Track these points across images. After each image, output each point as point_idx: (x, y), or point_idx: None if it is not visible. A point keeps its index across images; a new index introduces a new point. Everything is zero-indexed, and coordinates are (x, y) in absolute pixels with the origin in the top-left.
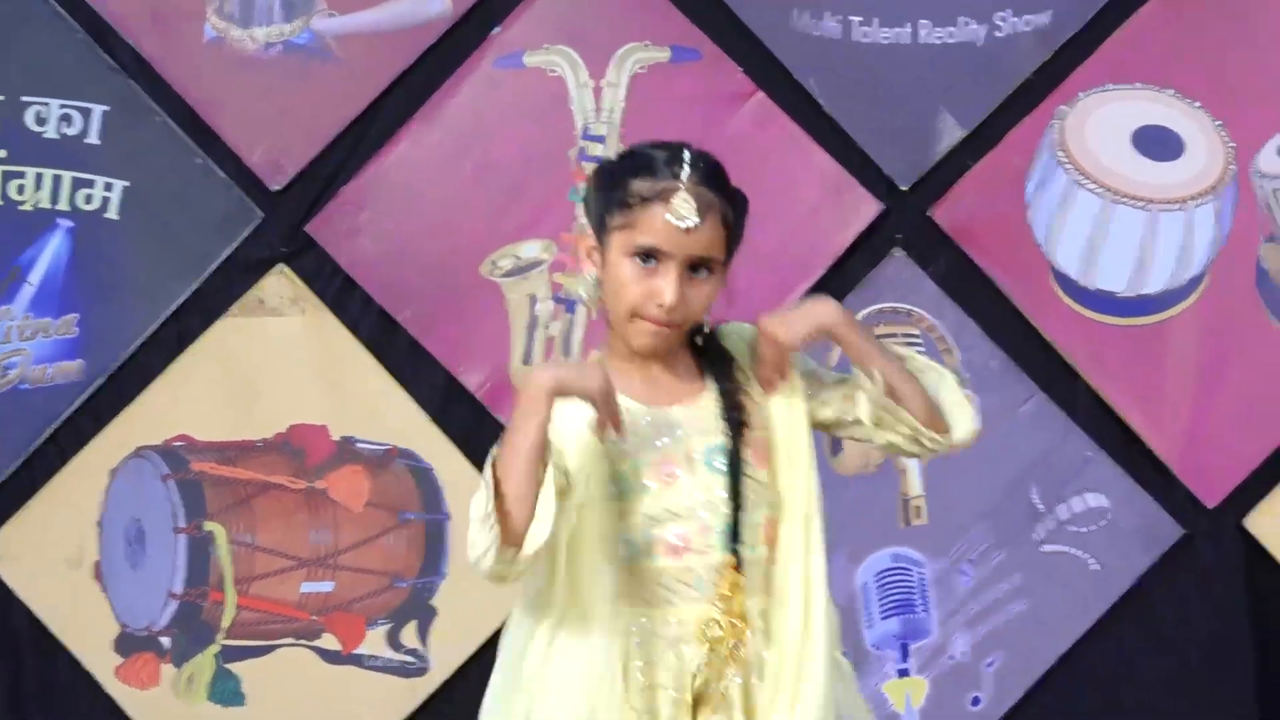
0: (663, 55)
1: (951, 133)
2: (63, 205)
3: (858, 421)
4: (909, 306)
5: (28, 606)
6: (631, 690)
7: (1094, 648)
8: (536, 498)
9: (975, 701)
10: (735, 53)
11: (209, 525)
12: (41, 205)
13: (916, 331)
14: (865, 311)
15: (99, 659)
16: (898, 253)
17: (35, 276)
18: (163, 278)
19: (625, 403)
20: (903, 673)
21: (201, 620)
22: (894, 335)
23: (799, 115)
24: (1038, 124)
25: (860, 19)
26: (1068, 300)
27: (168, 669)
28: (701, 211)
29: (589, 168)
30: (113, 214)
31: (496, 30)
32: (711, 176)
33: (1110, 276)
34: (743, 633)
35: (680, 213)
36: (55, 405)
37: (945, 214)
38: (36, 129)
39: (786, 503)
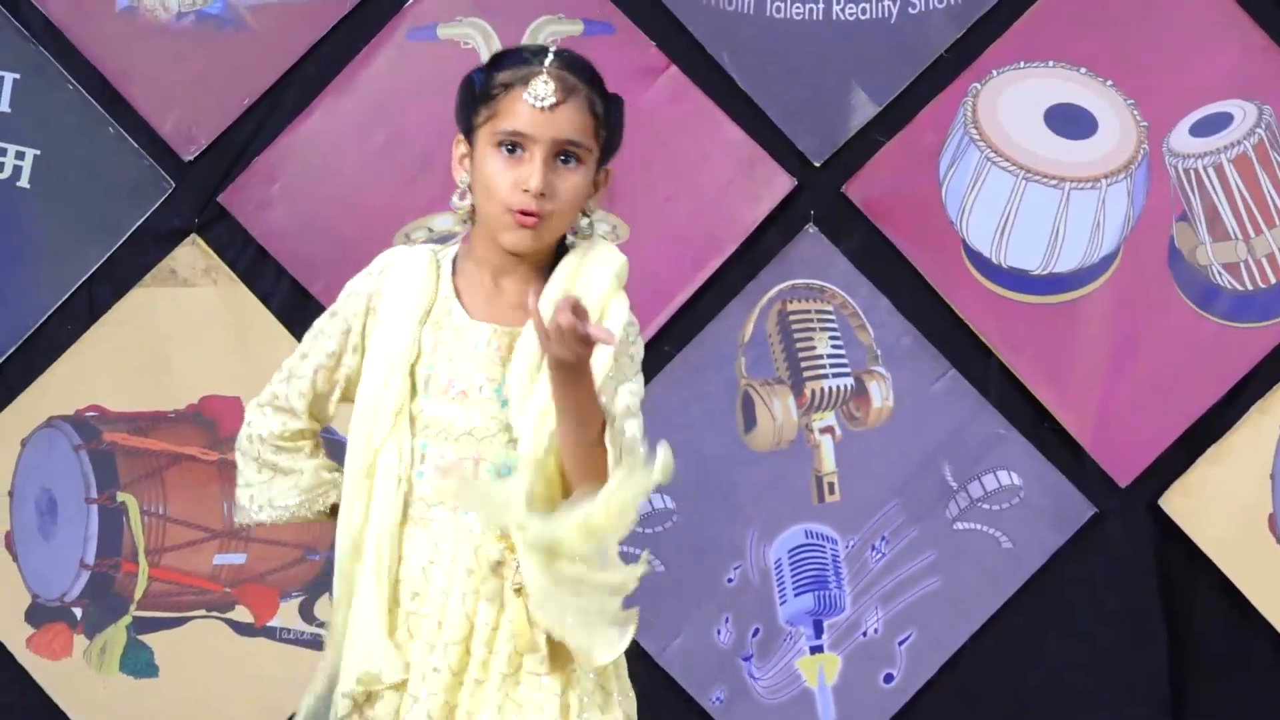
0: (576, 28)
1: (864, 109)
2: None
3: None
4: (822, 283)
5: None
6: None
7: (1006, 625)
8: None
9: (888, 678)
10: (648, 27)
11: (121, 496)
12: None
13: (829, 308)
14: (778, 288)
15: (10, 629)
16: (811, 229)
17: None
18: (74, 247)
19: (450, 305)
20: (816, 649)
21: (114, 591)
22: (807, 312)
23: (712, 90)
24: (951, 101)
25: None
26: (980, 278)
27: (80, 640)
28: (562, 92)
29: None
30: (24, 183)
31: (410, 2)
32: (577, 66)
33: (1023, 254)
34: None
35: (539, 92)
36: None
37: (858, 190)
38: None
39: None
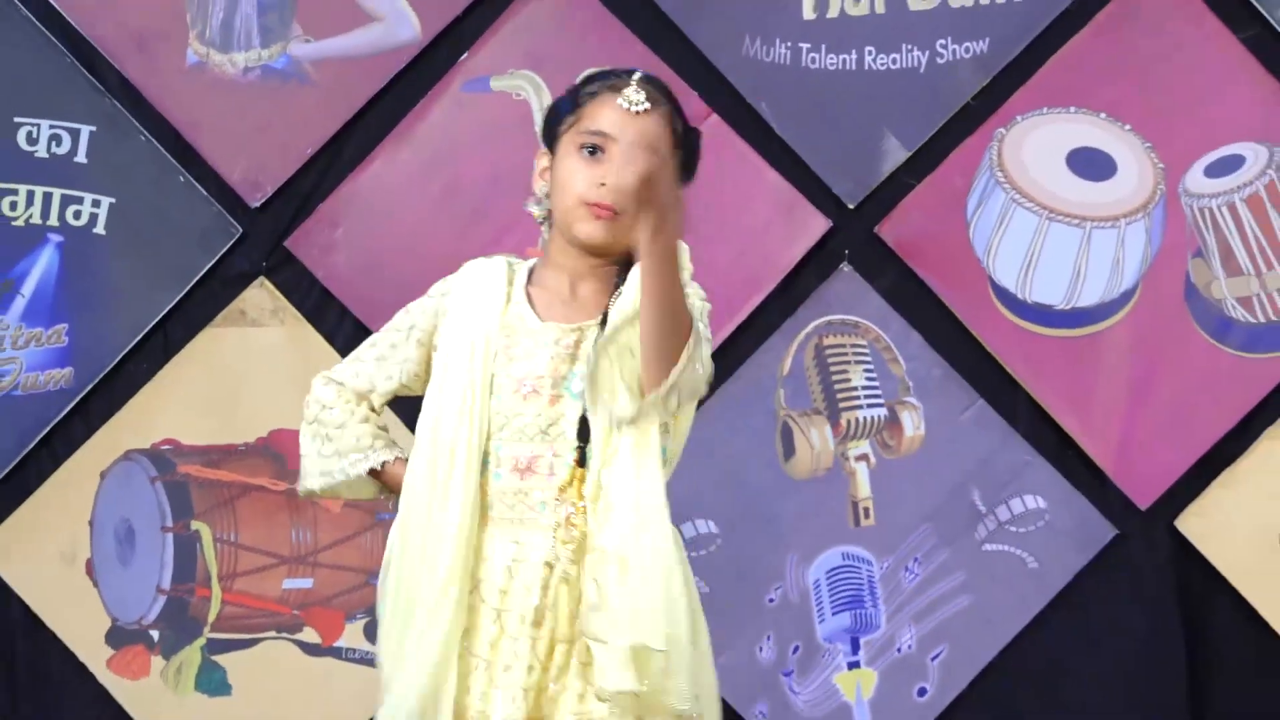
0: None
1: (896, 154)
2: (53, 221)
3: None
4: (856, 319)
5: (23, 601)
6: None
7: (1033, 642)
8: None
9: (921, 692)
10: (690, 77)
11: (195, 524)
12: (33, 221)
13: (864, 342)
14: (814, 324)
15: (91, 651)
16: (845, 268)
17: (27, 288)
18: (148, 290)
19: (522, 310)
20: (853, 665)
21: (189, 615)
22: (842, 346)
23: (751, 137)
24: (978, 146)
25: (809, 46)
26: (1007, 313)
27: (157, 660)
28: (650, 101)
29: None
30: (100, 229)
31: (465, 56)
32: (663, 86)
33: (1047, 290)
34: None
35: (630, 98)
36: (48, 410)
37: (891, 231)
38: (28, 148)
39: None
